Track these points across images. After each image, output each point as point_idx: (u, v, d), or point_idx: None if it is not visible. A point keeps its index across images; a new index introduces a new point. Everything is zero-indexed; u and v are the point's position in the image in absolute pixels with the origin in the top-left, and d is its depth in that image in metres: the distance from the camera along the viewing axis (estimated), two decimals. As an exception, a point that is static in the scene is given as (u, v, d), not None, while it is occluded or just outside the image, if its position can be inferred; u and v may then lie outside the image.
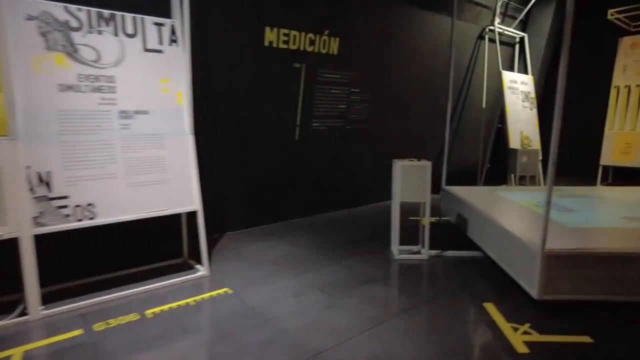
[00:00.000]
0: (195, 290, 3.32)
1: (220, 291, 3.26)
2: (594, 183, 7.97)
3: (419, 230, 4.05)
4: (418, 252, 4.03)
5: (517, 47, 8.01)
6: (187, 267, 3.79)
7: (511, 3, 7.55)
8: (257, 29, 4.43)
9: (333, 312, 2.89)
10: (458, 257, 3.99)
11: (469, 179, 7.49)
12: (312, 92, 5.14)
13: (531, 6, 7.92)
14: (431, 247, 4.05)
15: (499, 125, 7.51)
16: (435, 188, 5.58)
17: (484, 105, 7.23)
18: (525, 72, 7.83)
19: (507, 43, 7.93)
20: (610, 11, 7.44)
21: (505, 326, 2.66)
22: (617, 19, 7.74)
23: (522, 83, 7.38)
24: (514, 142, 6.76)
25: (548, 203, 2.74)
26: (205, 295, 3.19)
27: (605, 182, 8.25)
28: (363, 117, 5.86)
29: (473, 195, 4.44)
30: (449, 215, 4.85)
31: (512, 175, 5.94)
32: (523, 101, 7.31)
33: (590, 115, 8.45)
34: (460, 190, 4.74)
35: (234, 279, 3.50)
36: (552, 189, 2.76)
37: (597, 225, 3.27)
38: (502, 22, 7.44)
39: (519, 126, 6.99)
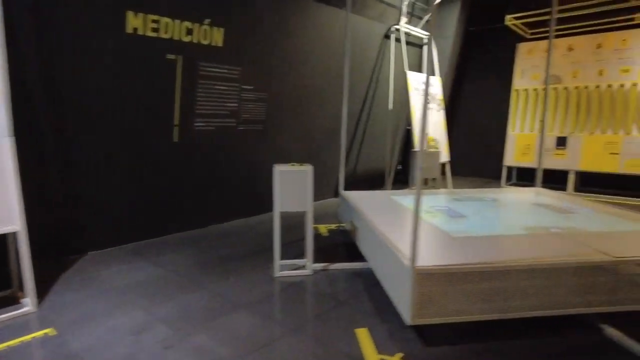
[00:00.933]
0: (10, 332, 2.61)
1: (40, 333, 2.58)
2: (501, 184, 8.18)
3: (309, 241, 3.63)
4: (303, 267, 3.62)
5: (425, 48, 7.98)
6: (13, 301, 3.05)
7: (417, 3, 7.49)
8: (116, 13, 3.76)
9: (172, 354, 2.35)
10: (345, 271, 3.63)
11: (378, 183, 7.30)
12: (194, 88, 4.55)
13: (437, 8, 7.94)
14: (320, 260, 3.65)
15: (408, 127, 7.40)
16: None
17: (390, 107, 7.07)
18: (433, 74, 7.81)
19: (416, 44, 7.88)
20: (507, 17, 7.65)
21: (373, 359, 2.30)
22: (515, 25, 8.00)
23: (430, 85, 7.32)
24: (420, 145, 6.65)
25: (416, 213, 2.42)
26: (16, 341, 2.49)
27: (510, 182, 8.52)
28: (259, 117, 5.37)
29: (364, 201, 4.13)
30: (345, 223, 4.52)
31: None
32: (430, 102, 7.25)
33: (497, 118, 8.69)
34: (353, 195, 4.41)
35: (66, 315, 2.82)
36: (420, 198, 2.44)
37: (485, 234, 3.05)
38: (409, 22, 7.35)
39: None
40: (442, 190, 5.18)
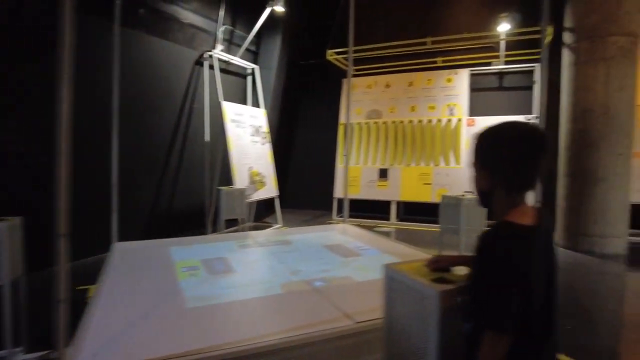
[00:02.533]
0: None
1: None
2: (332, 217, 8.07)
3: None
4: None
5: (249, 78, 7.62)
6: None
7: (237, 31, 7.12)
8: None
9: None
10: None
11: (201, 223, 6.50)
12: None
13: (261, 38, 7.71)
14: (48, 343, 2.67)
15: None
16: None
17: (207, 139, 6.44)
18: (258, 105, 7.46)
19: (239, 74, 7.47)
20: (328, 52, 7.80)
21: None
22: (337, 60, 8.20)
23: (252, 116, 6.92)
24: (241, 179, 6.12)
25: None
26: None
27: (340, 214, 8.50)
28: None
29: (126, 257, 3.31)
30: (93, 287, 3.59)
31: (224, 219, 5.16)
32: (252, 135, 6.83)
33: (330, 151, 8.69)
34: (121, 249, 3.56)
35: None
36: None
37: (233, 298, 2.48)
38: (228, 50, 6.90)
39: (246, 162, 6.42)
40: (239, 234, 4.59)
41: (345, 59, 8.14)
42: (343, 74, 8.63)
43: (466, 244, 4.01)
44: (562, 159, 5.85)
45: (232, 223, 5.51)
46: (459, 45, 7.58)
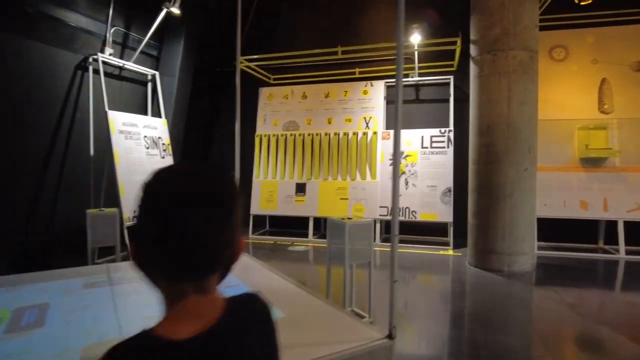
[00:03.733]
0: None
1: None
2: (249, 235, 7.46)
3: None
4: None
5: (150, 85, 6.95)
6: None
7: (132, 34, 6.46)
8: None
9: None
10: None
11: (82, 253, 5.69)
12: None
13: (163, 42, 7.09)
14: None
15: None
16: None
17: (92, 152, 5.70)
18: (159, 115, 6.81)
19: (138, 80, 6.78)
20: (240, 59, 7.30)
21: None
22: (250, 67, 7.74)
23: (148, 127, 6.25)
24: (128, 199, 5.44)
25: None
26: None
27: (260, 231, 7.98)
28: None
29: None
30: None
31: (93, 248, 4.46)
32: (149, 148, 6.16)
33: (249, 164, 8.14)
34: None
35: None
36: None
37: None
38: (122, 55, 6.22)
39: (138, 178, 5.73)
40: (96, 268, 3.89)
41: (260, 67, 7.71)
42: (263, 82, 8.18)
43: (352, 266, 3.64)
44: (471, 174, 5.72)
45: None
46: (375, 55, 7.39)
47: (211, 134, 8.82)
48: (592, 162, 6.38)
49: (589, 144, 6.43)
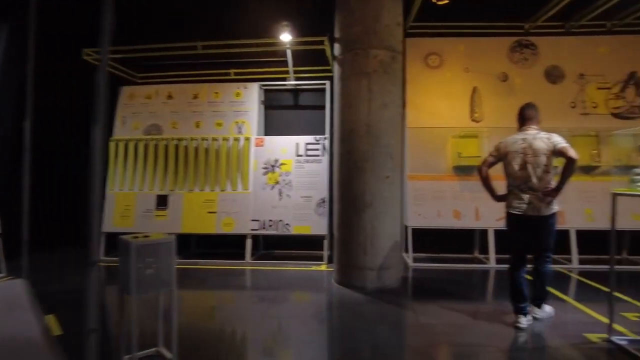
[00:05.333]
0: None
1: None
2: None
3: None
4: None
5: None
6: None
7: None
8: None
9: None
10: None
11: None
12: None
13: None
14: None
15: None
16: None
17: None
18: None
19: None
20: (85, 50, 6.28)
21: None
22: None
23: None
24: None
25: None
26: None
27: (111, 254, 6.83)
28: None
29: None
30: None
31: None
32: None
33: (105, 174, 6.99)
34: None
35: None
36: None
37: None
38: None
39: None
40: None
41: (116, 60, 6.72)
42: (125, 80, 7.17)
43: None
44: (335, 183, 5.25)
45: None
46: (249, 55, 6.78)
47: (53, 136, 7.44)
48: (464, 171, 6.27)
49: (461, 152, 6.32)
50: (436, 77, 6.58)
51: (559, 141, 3.52)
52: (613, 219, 3.30)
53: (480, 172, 3.89)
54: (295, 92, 7.17)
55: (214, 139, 6.61)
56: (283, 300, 4.61)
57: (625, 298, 4.36)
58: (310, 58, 6.74)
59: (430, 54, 6.63)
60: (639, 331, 3.51)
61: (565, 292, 4.71)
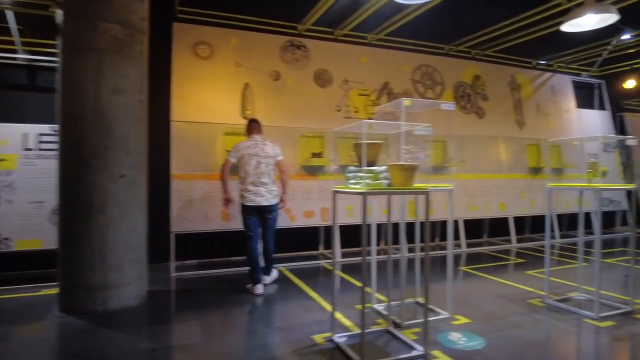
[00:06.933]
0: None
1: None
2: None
3: None
4: None
5: None
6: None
7: None
8: None
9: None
10: None
11: None
12: None
13: None
14: None
15: None
16: None
17: None
18: None
19: None
20: None
21: None
22: None
23: None
24: None
25: None
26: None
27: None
28: None
29: None
30: None
31: None
32: None
33: None
34: None
35: None
36: None
37: None
38: None
39: None
40: None
41: None
42: None
43: None
44: (57, 182, 4.19)
45: None
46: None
47: None
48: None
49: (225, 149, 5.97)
50: (206, 68, 6.09)
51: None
52: (334, 216, 3.29)
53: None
54: (30, 69, 5.70)
55: None
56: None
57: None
58: (50, 29, 5.41)
59: (200, 43, 6.10)
60: (368, 323, 3.59)
61: (315, 289, 4.74)
